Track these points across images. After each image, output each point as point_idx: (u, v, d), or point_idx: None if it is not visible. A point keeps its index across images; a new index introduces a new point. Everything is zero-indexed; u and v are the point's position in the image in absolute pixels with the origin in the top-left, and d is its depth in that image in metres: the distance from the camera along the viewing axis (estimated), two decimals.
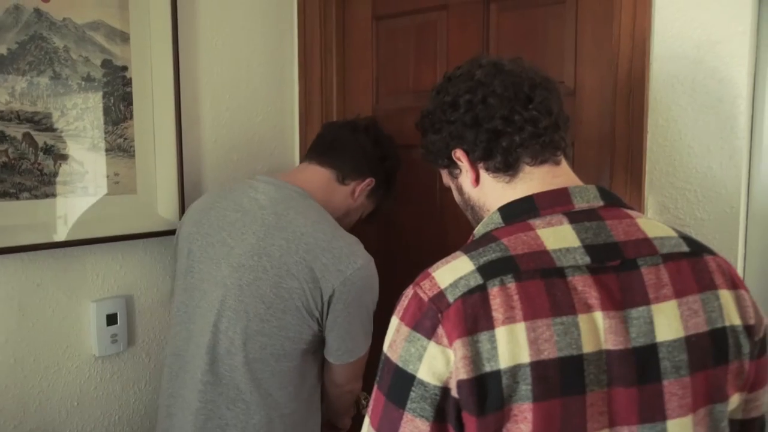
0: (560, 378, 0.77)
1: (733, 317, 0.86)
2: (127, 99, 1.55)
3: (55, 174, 1.43)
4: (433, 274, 0.85)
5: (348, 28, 1.91)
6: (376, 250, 1.91)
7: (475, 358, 0.77)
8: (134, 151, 1.57)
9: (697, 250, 0.89)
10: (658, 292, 0.83)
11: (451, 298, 0.80)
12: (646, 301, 0.82)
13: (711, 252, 0.91)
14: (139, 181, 1.58)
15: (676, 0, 1.28)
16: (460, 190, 1.07)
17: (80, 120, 1.47)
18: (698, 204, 1.29)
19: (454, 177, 1.06)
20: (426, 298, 0.82)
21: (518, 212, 0.90)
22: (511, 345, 0.77)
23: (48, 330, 1.48)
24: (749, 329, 0.87)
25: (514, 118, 0.93)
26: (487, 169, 0.98)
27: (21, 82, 1.37)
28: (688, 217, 1.30)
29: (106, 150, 1.52)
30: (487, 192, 0.99)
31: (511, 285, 0.80)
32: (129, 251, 1.60)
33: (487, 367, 0.77)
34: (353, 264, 1.36)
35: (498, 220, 0.91)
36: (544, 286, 0.80)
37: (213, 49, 1.74)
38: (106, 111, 1.51)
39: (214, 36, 1.75)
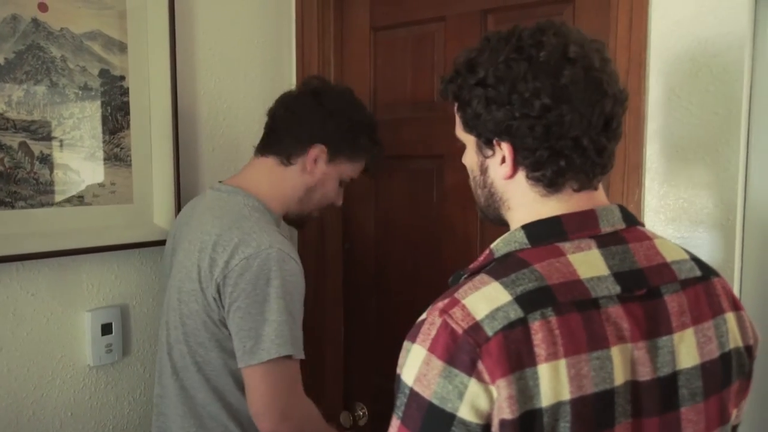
0: (594, 413, 0.76)
1: (737, 339, 0.88)
2: (124, 108, 1.55)
3: (51, 183, 1.43)
4: (464, 302, 0.78)
5: (346, 39, 1.91)
6: (373, 260, 1.91)
7: (519, 397, 0.74)
8: (131, 160, 1.57)
9: (706, 273, 0.89)
10: (679, 320, 0.83)
11: (490, 332, 0.75)
12: (669, 330, 0.82)
13: (716, 273, 0.91)
14: (136, 191, 1.58)
15: (673, 14, 1.28)
16: (483, 169, 0.94)
17: (77, 129, 1.47)
18: (695, 216, 1.29)
19: (484, 156, 0.92)
20: (460, 330, 0.76)
21: (545, 234, 0.85)
22: (554, 382, 0.74)
23: (42, 339, 1.48)
24: (749, 349, 0.89)
25: (584, 143, 0.83)
26: (527, 176, 0.88)
27: (18, 91, 1.37)
28: (684, 230, 1.30)
29: (103, 159, 1.52)
30: (516, 191, 0.90)
31: (552, 319, 0.76)
32: (124, 261, 1.60)
33: (531, 405, 0.74)
34: (242, 252, 1.26)
35: (523, 239, 0.85)
36: (582, 319, 0.77)
37: (210, 59, 1.75)
38: (103, 120, 1.51)
39: (211, 46, 1.75)
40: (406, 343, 0.81)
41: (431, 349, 0.77)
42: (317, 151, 1.42)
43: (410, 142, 1.80)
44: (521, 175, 0.88)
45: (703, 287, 0.87)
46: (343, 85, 1.54)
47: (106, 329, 1.56)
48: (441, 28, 1.71)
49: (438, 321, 0.78)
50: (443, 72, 1.70)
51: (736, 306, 0.90)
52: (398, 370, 0.81)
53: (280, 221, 1.48)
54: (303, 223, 1.59)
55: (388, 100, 1.85)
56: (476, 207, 1.00)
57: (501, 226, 0.95)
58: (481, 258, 0.88)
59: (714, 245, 1.27)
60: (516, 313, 0.76)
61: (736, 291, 1.26)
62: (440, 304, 0.80)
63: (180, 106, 1.64)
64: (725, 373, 0.86)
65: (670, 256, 0.87)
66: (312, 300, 1.95)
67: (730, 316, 0.88)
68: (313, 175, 1.44)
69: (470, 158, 0.96)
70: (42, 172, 1.41)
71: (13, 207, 1.37)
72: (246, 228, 1.30)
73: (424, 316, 0.81)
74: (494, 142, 0.88)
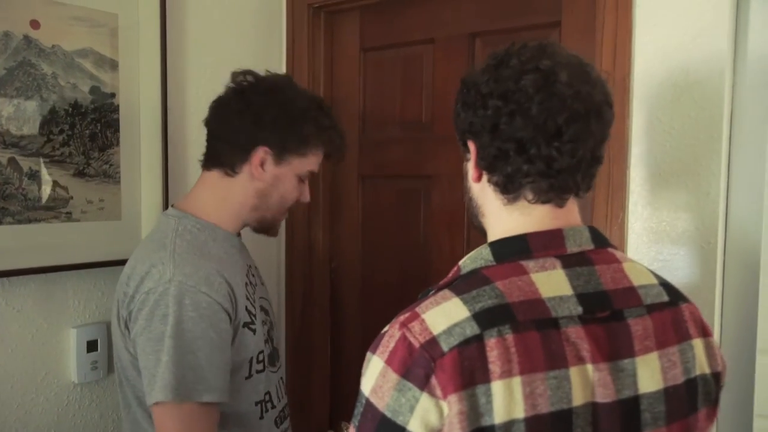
0: None
1: (704, 366, 0.87)
2: (114, 125, 1.55)
3: (40, 199, 1.43)
4: (423, 317, 0.79)
5: (336, 59, 1.94)
6: (360, 280, 1.92)
7: (470, 413, 0.74)
8: (120, 177, 1.57)
9: (674, 299, 0.89)
10: (642, 343, 0.83)
11: (445, 347, 0.76)
12: (632, 354, 0.82)
13: (685, 299, 0.91)
14: (124, 208, 1.58)
15: (656, 41, 1.31)
16: (465, 173, 0.97)
17: (66, 146, 1.47)
18: (677, 239, 1.31)
19: (465, 159, 0.96)
20: (417, 344, 0.77)
21: (510, 252, 0.86)
22: (507, 400, 0.75)
23: (27, 356, 1.47)
24: (717, 376, 0.89)
25: (530, 149, 0.84)
26: (488, 181, 0.90)
27: (8, 106, 1.38)
28: (666, 252, 1.32)
29: (92, 176, 1.52)
30: (486, 197, 0.92)
31: (509, 336, 0.76)
32: (111, 277, 1.59)
33: (482, 422, 0.74)
34: (145, 285, 1.20)
35: (488, 256, 0.86)
36: (540, 338, 0.78)
37: (201, 78, 1.76)
38: (93, 137, 1.52)
39: (202, 65, 1.76)
40: (367, 354, 0.82)
41: (388, 362, 0.78)
42: (260, 154, 1.32)
43: (398, 162, 1.82)
44: (485, 179, 0.91)
45: (670, 313, 0.87)
46: (276, 74, 1.43)
47: (92, 346, 1.55)
48: (430, 49, 1.74)
49: (397, 334, 0.79)
50: (432, 93, 1.74)
51: (704, 332, 0.90)
52: (361, 379, 0.83)
53: (236, 235, 1.39)
54: (269, 229, 1.46)
55: (377, 120, 1.87)
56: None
57: (484, 236, 0.96)
58: (450, 274, 0.89)
59: (695, 268, 1.29)
60: (472, 329, 0.76)
61: (716, 313, 1.28)
62: (402, 318, 0.81)
63: (170, 124, 1.65)
64: (690, 398, 0.85)
65: (637, 281, 0.87)
66: (300, 319, 1.96)
67: (697, 342, 0.88)
68: (263, 179, 1.33)
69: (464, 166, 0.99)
70: (30, 188, 1.42)
71: (0, 223, 1.37)
72: (155, 258, 1.23)
73: (386, 328, 0.82)
74: (468, 143, 0.92)
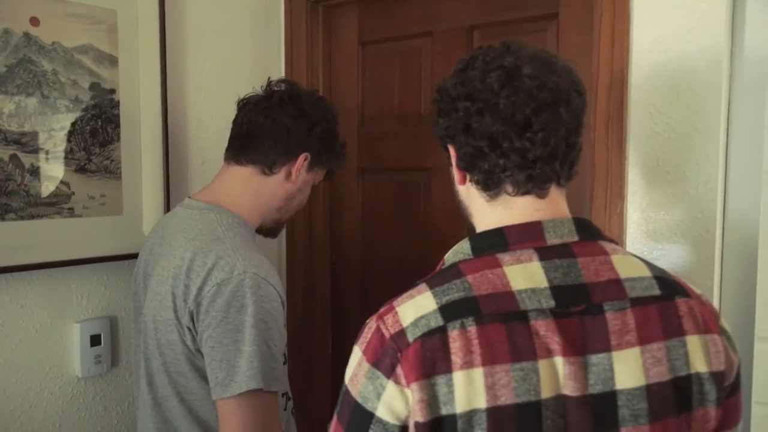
0: (517, 424, 0.77)
1: (698, 364, 0.83)
2: (115, 121, 1.56)
3: (41, 195, 1.44)
4: (397, 309, 0.83)
5: (334, 53, 1.94)
6: (360, 272, 1.93)
7: (431, 401, 0.77)
8: (121, 172, 1.58)
9: (669, 292, 0.86)
10: (621, 338, 0.81)
11: (410, 338, 0.79)
12: (607, 348, 0.81)
13: (684, 294, 0.87)
14: (126, 203, 1.59)
15: (653, 32, 1.32)
16: (451, 178, 0.98)
17: (67, 142, 1.48)
18: (676, 228, 1.32)
19: (449, 163, 0.97)
20: (387, 335, 0.81)
21: (487, 245, 0.87)
22: (468, 390, 0.77)
23: (31, 351, 1.48)
24: (717, 375, 0.84)
25: (502, 143, 0.86)
26: (470, 180, 0.92)
27: (9, 104, 1.38)
28: (665, 241, 1.33)
29: (93, 171, 1.53)
30: (471, 197, 0.94)
31: (472, 328, 0.78)
32: (114, 272, 1.61)
33: (443, 411, 0.77)
34: (216, 277, 1.20)
35: (467, 250, 0.87)
36: (506, 330, 0.79)
37: (201, 73, 1.77)
38: (94, 133, 1.53)
39: (202, 60, 1.77)
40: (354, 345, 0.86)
41: (364, 352, 0.83)
42: (303, 158, 1.38)
43: (397, 155, 1.82)
44: (468, 180, 0.93)
45: (660, 307, 0.84)
46: (311, 88, 1.48)
47: (95, 340, 1.57)
48: (428, 43, 1.74)
49: (374, 325, 0.83)
50: (430, 86, 1.74)
51: (706, 329, 0.85)
52: None
53: (254, 233, 1.42)
54: (277, 232, 1.52)
55: (375, 113, 1.87)
56: None
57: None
58: (437, 268, 0.90)
59: (694, 256, 1.30)
60: (436, 321, 0.79)
61: (715, 301, 1.29)
62: (381, 310, 0.85)
63: (170, 119, 1.66)
64: (681, 398, 0.82)
65: (625, 273, 0.85)
66: (300, 312, 1.97)
67: (693, 339, 0.83)
68: (295, 182, 1.40)
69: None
70: (32, 184, 1.42)
71: (3, 219, 1.38)
72: (219, 251, 1.23)
73: (368, 320, 0.86)
74: (448, 147, 0.95)
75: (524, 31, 1.57)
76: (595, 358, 0.80)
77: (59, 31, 1.45)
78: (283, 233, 1.96)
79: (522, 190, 0.88)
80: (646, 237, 1.35)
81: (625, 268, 0.86)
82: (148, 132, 1.62)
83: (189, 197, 1.40)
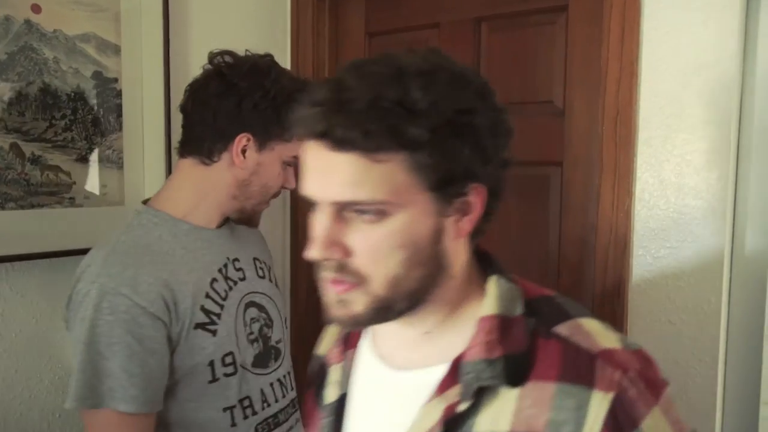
0: None
1: None
2: (117, 111, 1.55)
3: (42, 184, 1.43)
4: None
5: (341, 44, 1.92)
6: None
7: None
8: (123, 162, 1.56)
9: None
10: None
11: None
12: None
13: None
14: (128, 193, 1.58)
15: (664, 24, 1.29)
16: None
17: (68, 131, 1.46)
18: (686, 225, 1.29)
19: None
20: None
21: None
22: None
23: (31, 340, 1.47)
24: None
25: None
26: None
27: (10, 92, 1.37)
28: (673, 239, 1.30)
29: (95, 161, 1.51)
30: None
31: None
32: None
33: None
34: (76, 287, 1.16)
35: None
36: None
37: (204, 62, 1.74)
38: (95, 122, 1.51)
39: (205, 49, 1.74)
40: None
41: None
42: (242, 141, 1.24)
43: None
44: None
45: None
46: (257, 54, 1.32)
47: None
48: (435, 34, 1.72)
49: None
50: None
51: None
52: None
53: (214, 228, 1.29)
54: (250, 220, 1.40)
55: None
56: None
57: None
58: None
59: (703, 255, 1.28)
60: None
61: (724, 299, 1.26)
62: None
63: (173, 108, 1.64)
64: None
65: None
66: (304, 307, 1.96)
67: None
68: (245, 167, 1.25)
69: None
70: (33, 174, 1.41)
71: (3, 208, 1.37)
72: (92, 257, 1.18)
73: None
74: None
75: (533, 23, 1.54)
76: None
77: (61, 18, 1.44)
78: (287, 225, 1.96)
79: None
80: (655, 234, 1.33)
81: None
82: (150, 122, 1.60)
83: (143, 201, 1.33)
